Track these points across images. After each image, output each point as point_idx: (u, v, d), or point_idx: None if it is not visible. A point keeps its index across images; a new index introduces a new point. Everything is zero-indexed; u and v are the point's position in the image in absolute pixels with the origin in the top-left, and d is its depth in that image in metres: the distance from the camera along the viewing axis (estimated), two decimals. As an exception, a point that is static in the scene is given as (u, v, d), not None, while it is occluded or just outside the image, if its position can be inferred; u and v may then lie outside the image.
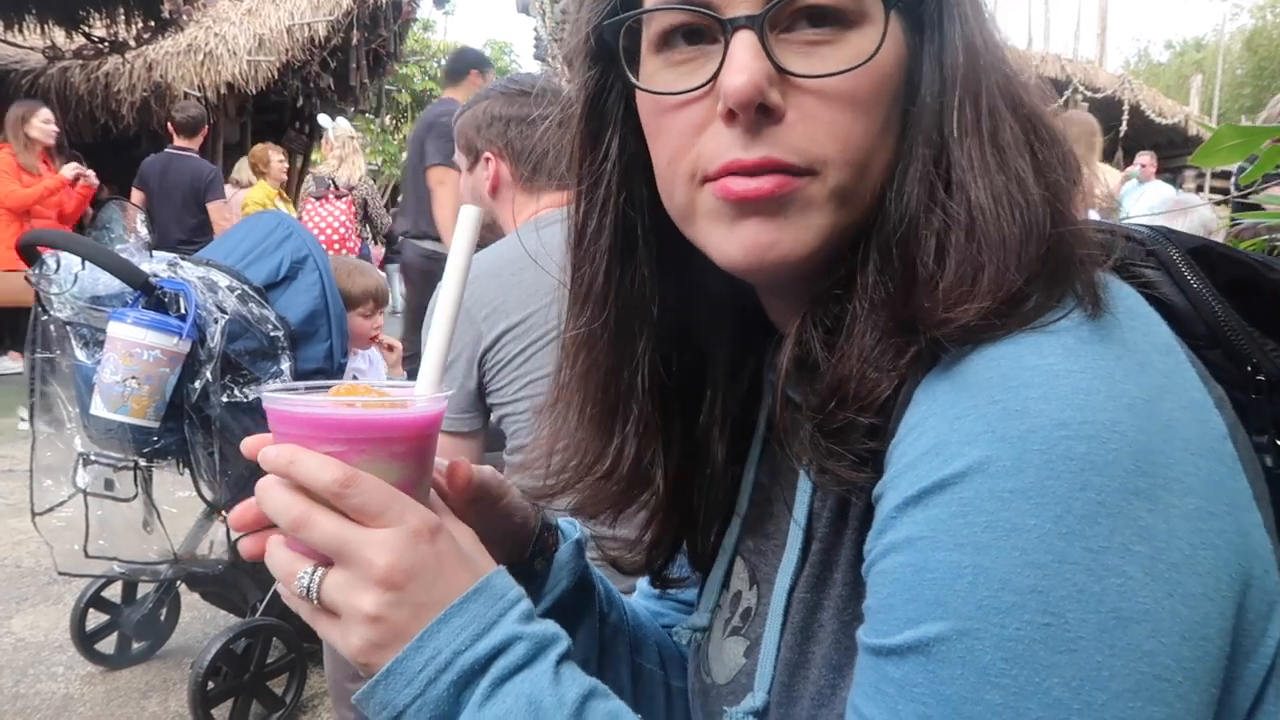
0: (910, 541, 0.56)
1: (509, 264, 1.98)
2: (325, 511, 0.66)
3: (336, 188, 7.90)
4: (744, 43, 0.64)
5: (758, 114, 0.64)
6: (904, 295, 0.63)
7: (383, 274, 3.82)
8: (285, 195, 8.34)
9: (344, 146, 8.68)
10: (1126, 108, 14.48)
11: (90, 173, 7.00)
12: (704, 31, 0.67)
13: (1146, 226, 0.75)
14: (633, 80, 0.72)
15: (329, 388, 0.74)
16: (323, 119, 10.09)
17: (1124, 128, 14.18)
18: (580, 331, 0.81)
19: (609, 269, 0.79)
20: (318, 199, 7.84)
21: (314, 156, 13.08)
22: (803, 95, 0.64)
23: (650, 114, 0.72)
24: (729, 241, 0.68)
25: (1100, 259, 0.63)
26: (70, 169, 6.86)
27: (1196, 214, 4.31)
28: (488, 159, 2.22)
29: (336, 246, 7.65)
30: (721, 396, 0.86)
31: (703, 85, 0.67)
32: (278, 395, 0.70)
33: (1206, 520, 0.54)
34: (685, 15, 0.67)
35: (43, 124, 6.74)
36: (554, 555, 0.90)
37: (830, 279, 0.69)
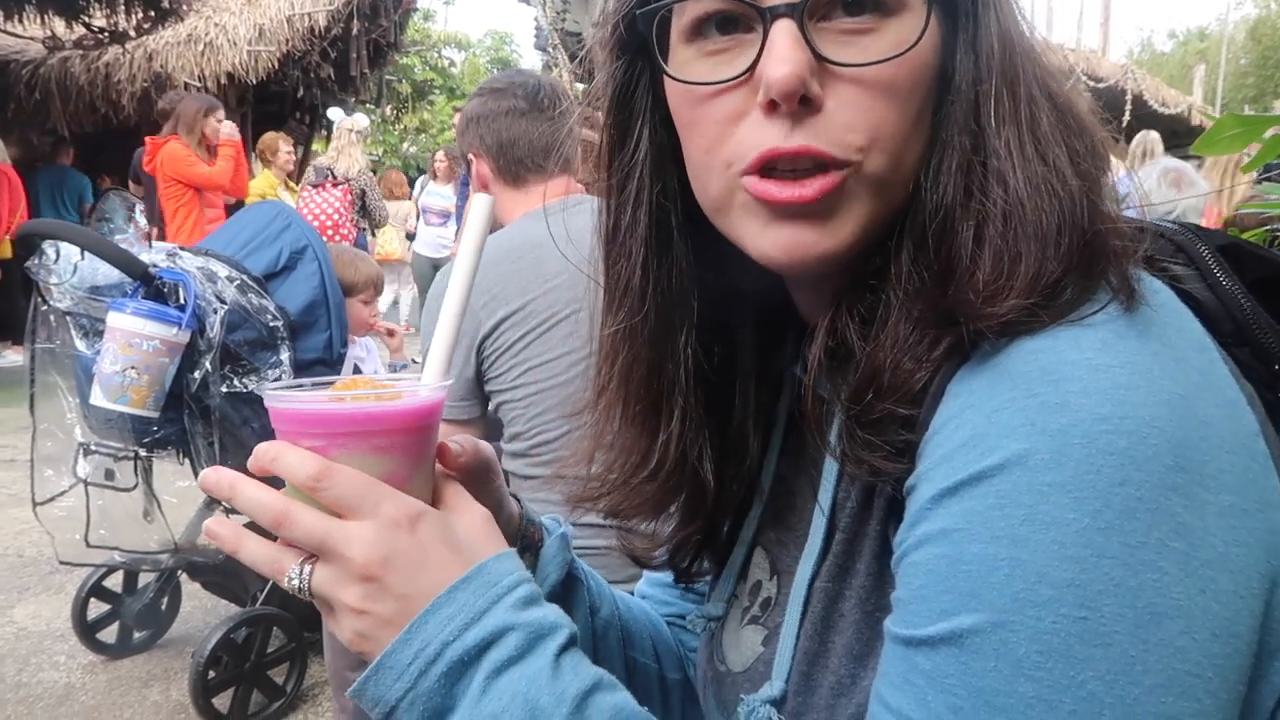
0: (946, 533, 0.55)
1: (507, 253, 1.99)
2: (303, 507, 0.67)
3: (334, 177, 8.14)
4: (784, 31, 0.62)
5: (799, 104, 0.63)
6: (940, 285, 0.63)
7: (377, 264, 3.84)
8: (290, 185, 8.36)
9: (341, 138, 8.90)
10: (1130, 97, 14.43)
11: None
12: (739, 20, 0.66)
13: (1175, 223, 0.75)
14: (666, 70, 0.70)
15: (331, 383, 0.74)
16: (332, 112, 10.33)
17: (1127, 118, 14.14)
18: (620, 328, 0.79)
19: (646, 262, 0.77)
20: (314, 186, 8.08)
21: (315, 147, 13.06)
22: (841, 84, 0.64)
23: (683, 105, 0.71)
24: (765, 239, 0.67)
25: (1134, 251, 0.62)
26: (228, 128, 6.78)
27: (1196, 186, 4.28)
28: (470, 160, 2.27)
29: (330, 233, 7.79)
30: (754, 388, 0.86)
31: (740, 75, 0.65)
32: (271, 391, 0.71)
33: (1240, 518, 0.54)
34: (723, 3, 0.66)
35: (217, 123, 6.72)
36: (540, 550, 0.89)
37: (863, 269, 0.68)
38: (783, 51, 0.62)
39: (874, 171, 0.65)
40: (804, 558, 0.75)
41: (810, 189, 0.64)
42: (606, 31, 0.76)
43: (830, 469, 0.74)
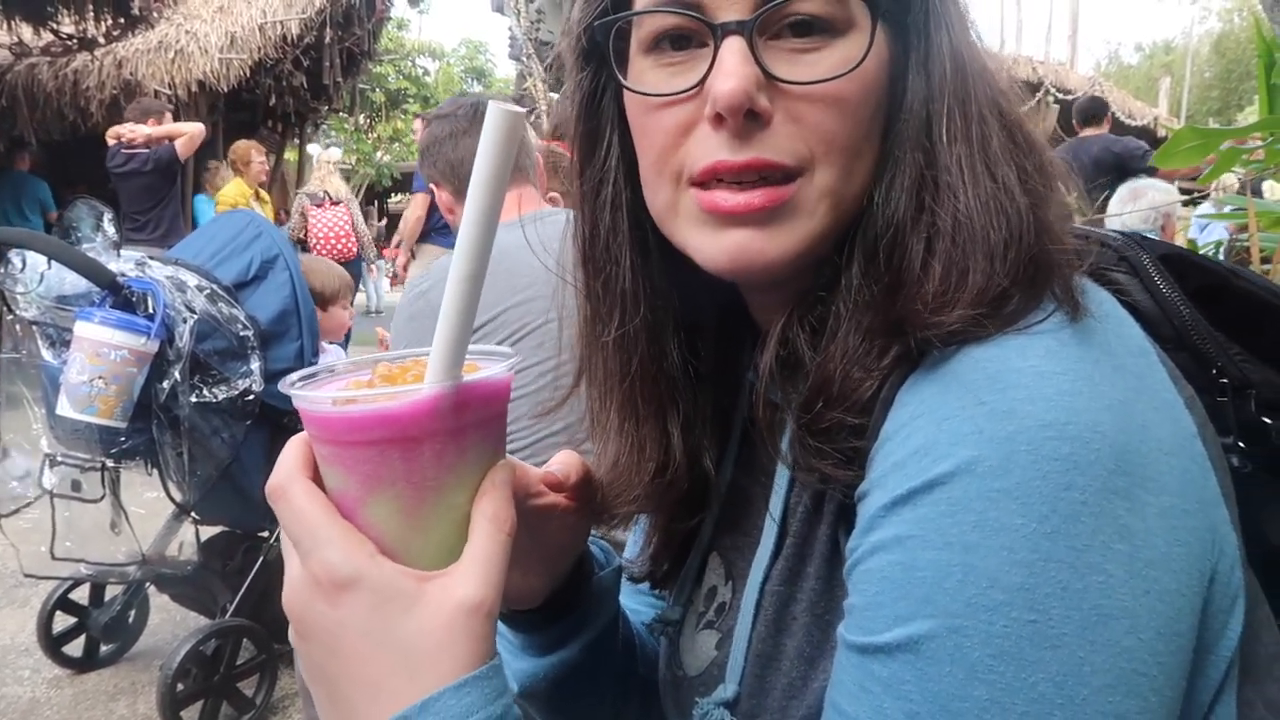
0: (899, 540, 0.56)
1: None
2: (299, 491, 0.59)
3: (331, 197, 8.77)
4: (733, 48, 0.64)
5: (746, 119, 0.64)
6: (889, 297, 0.64)
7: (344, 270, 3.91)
8: (263, 195, 8.35)
9: (321, 169, 9.55)
10: (1097, 109, 14.65)
11: None
12: (693, 36, 0.68)
13: (1119, 232, 0.77)
14: (621, 80, 0.72)
15: (371, 364, 0.64)
16: (311, 148, 10.81)
17: (1094, 129, 14.33)
18: (624, 331, 0.78)
19: (634, 264, 0.78)
20: (317, 206, 8.65)
21: (288, 156, 12.99)
22: (790, 100, 0.65)
23: (637, 114, 0.72)
24: (712, 246, 0.68)
25: (1077, 263, 0.65)
26: None
27: (1148, 197, 4.39)
28: (431, 189, 2.34)
29: (343, 242, 8.55)
30: (711, 392, 0.86)
31: (691, 88, 0.67)
32: (291, 379, 0.62)
33: (1180, 518, 0.56)
34: (676, 19, 0.67)
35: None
36: (595, 580, 0.87)
37: (814, 280, 0.69)
38: (731, 67, 0.63)
39: (823, 184, 0.66)
40: (755, 562, 0.76)
41: (758, 197, 0.65)
42: (572, 40, 0.77)
43: (782, 474, 0.75)
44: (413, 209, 7.60)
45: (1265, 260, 2.26)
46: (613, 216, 0.78)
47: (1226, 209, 2.78)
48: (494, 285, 2.00)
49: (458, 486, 0.59)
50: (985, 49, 0.71)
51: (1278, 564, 0.69)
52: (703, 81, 0.66)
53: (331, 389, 0.63)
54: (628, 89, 0.72)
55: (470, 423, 0.59)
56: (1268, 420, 0.69)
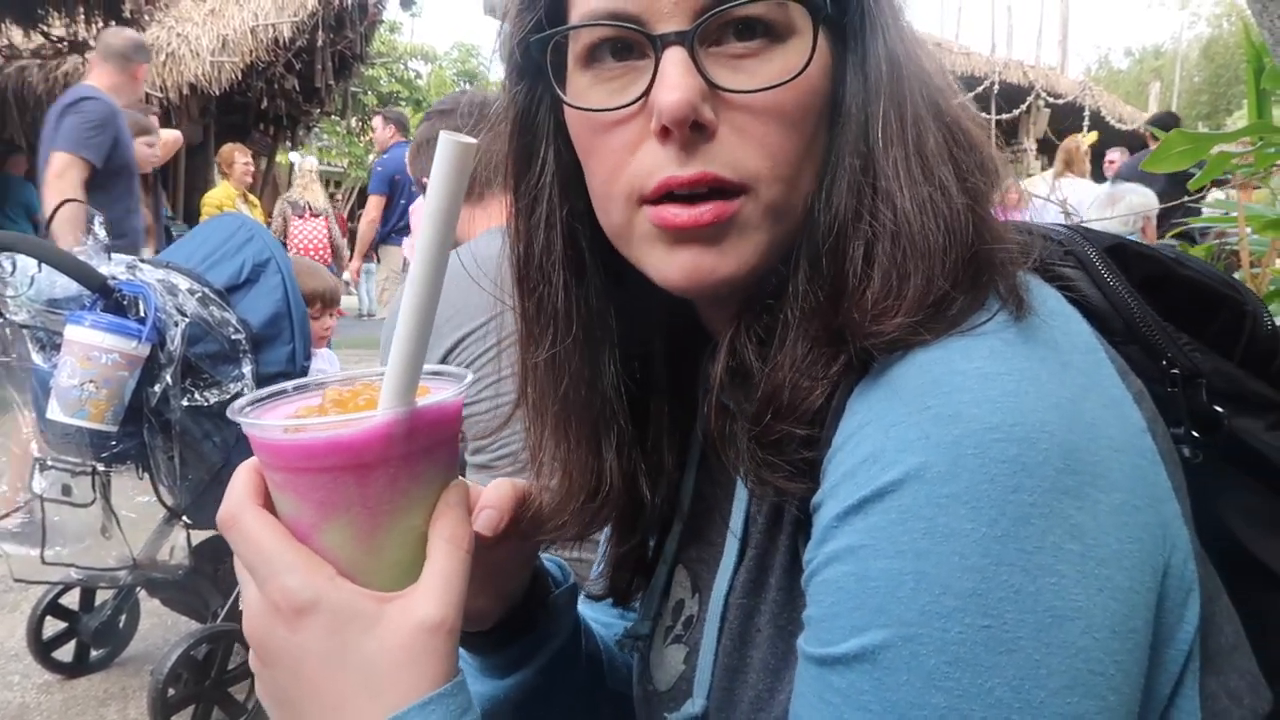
0: (852, 550, 0.56)
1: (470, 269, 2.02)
2: (252, 519, 0.60)
3: (312, 209, 9.08)
4: (675, 59, 0.63)
5: (691, 131, 0.64)
6: (832, 304, 0.64)
7: (334, 276, 3.91)
8: (250, 198, 8.34)
9: (304, 177, 9.98)
10: (1087, 113, 14.71)
11: None
12: (633, 46, 0.67)
13: (1065, 226, 0.77)
14: (563, 97, 0.71)
15: (321, 386, 0.65)
16: (293, 155, 11.12)
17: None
18: (554, 352, 0.77)
19: (567, 284, 0.77)
20: (299, 216, 8.97)
21: (279, 159, 12.97)
22: (734, 110, 0.65)
23: (582, 131, 0.71)
24: (667, 264, 0.68)
25: (1021, 260, 0.64)
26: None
27: (1125, 201, 4.43)
28: (422, 185, 2.31)
29: (318, 256, 8.79)
30: (668, 404, 0.85)
31: (634, 102, 0.66)
32: (237, 406, 0.61)
33: (1131, 514, 0.56)
34: (615, 31, 0.67)
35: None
36: (549, 599, 0.86)
37: (761, 289, 0.69)
38: (674, 79, 0.63)
39: (770, 198, 0.66)
40: (719, 574, 0.75)
41: (707, 213, 0.65)
42: (504, 54, 0.76)
43: (741, 486, 0.75)
44: (367, 211, 7.60)
45: (1254, 264, 2.27)
46: (547, 234, 0.76)
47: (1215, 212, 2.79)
48: (480, 290, 2.00)
49: (413, 509, 0.60)
50: (924, 48, 0.71)
51: (1239, 553, 0.69)
52: (645, 95, 0.65)
53: (280, 414, 0.62)
54: (571, 106, 0.70)
55: (423, 447, 0.59)
56: (1219, 409, 0.69)
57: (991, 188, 0.67)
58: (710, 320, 0.80)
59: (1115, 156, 9.37)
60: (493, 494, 0.72)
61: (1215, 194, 2.62)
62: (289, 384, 0.66)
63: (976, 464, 0.53)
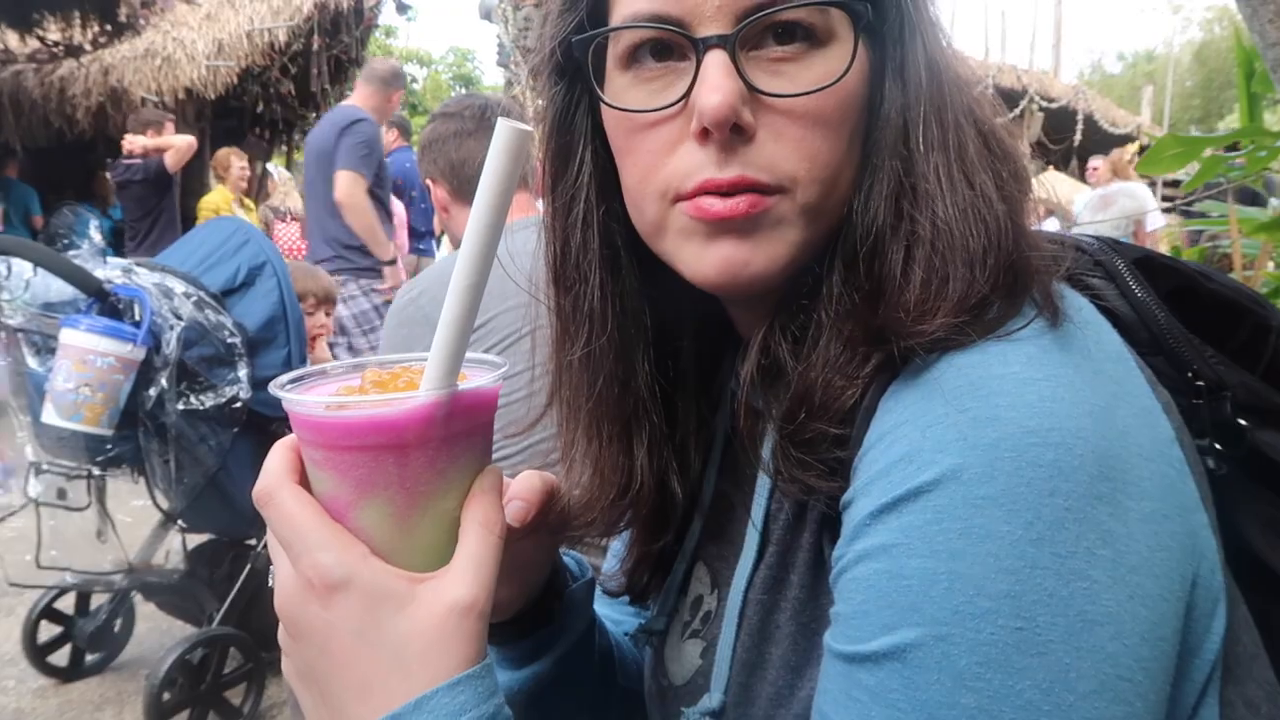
0: (885, 548, 0.56)
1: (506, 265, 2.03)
2: (288, 495, 0.60)
3: (293, 213, 9.09)
4: (717, 62, 0.64)
5: (731, 133, 0.64)
6: (870, 305, 0.64)
7: (330, 277, 3.95)
8: (246, 202, 8.36)
9: (284, 185, 10.15)
10: (1081, 117, 14.75)
11: None
12: (673, 48, 0.67)
13: (1094, 237, 0.78)
14: (603, 97, 0.71)
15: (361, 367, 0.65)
16: (269, 166, 11.36)
17: (1078, 137, 14.46)
18: (587, 351, 0.77)
19: (603, 282, 0.77)
20: (280, 220, 8.95)
21: (275, 162, 12.98)
22: (772, 114, 0.65)
23: (619, 131, 0.72)
24: (701, 260, 0.68)
25: (1055, 269, 0.65)
26: None
27: (1117, 205, 4.46)
28: (428, 186, 2.33)
29: (299, 257, 8.62)
30: (695, 403, 0.86)
31: (674, 103, 0.67)
32: (280, 381, 0.63)
33: (1161, 523, 0.56)
34: (657, 34, 0.67)
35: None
36: (567, 593, 0.86)
37: (796, 289, 0.69)
38: (715, 81, 0.63)
39: (806, 200, 0.67)
40: (738, 569, 0.76)
41: (742, 203, 0.65)
42: (545, 55, 0.76)
43: (763, 481, 0.75)
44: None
45: (1247, 266, 2.29)
46: (583, 234, 0.77)
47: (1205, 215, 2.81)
48: (488, 290, 2.00)
49: (448, 492, 0.61)
50: (959, 57, 0.71)
51: (1258, 565, 0.70)
52: (685, 96, 0.66)
53: (320, 393, 0.63)
54: (611, 107, 0.71)
55: (462, 430, 0.60)
56: (1243, 421, 0.70)
57: (1025, 195, 0.68)
58: (740, 320, 0.80)
59: (1098, 164, 9.42)
60: (522, 486, 0.73)
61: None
62: (327, 365, 0.67)
63: (1013, 467, 0.53)
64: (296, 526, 0.59)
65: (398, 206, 6.90)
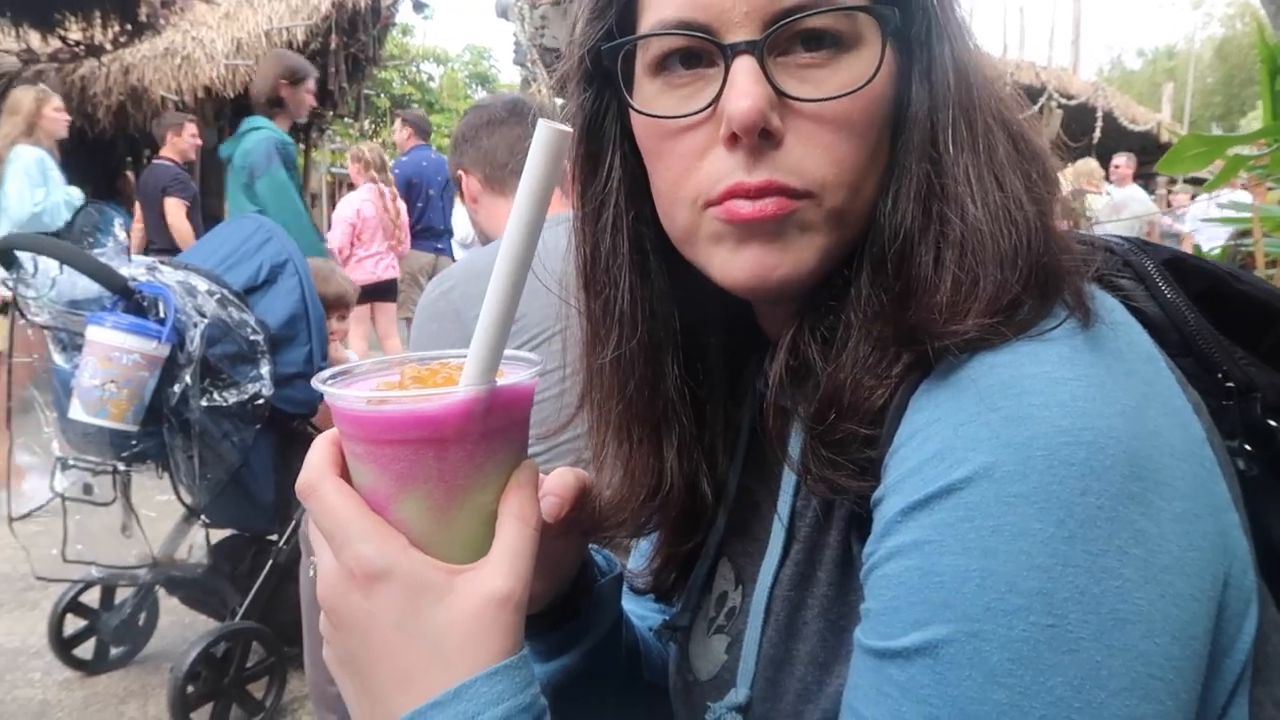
0: (917, 545, 0.56)
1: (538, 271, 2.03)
2: (329, 488, 0.62)
3: None
4: (746, 68, 0.65)
5: (760, 138, 0.65)
6: (900, 306, 0.65)
7: (348, 280, 3.96)
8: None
9: None
10: (1100, 115, 14.62)
11: None
12: (702, 55, 0.68)
13: (1122, 238, 0.78)
14: (632, 104, 0.72)
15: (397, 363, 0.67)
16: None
17: (1098, 134, 14.35)
18: (619, 354, 0.78)
19: (633, 286, 0.78)
20: None
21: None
22: (800, 119, 0.66)
23: (649, 137, 0.73)
24: (731, 264, 0.69)
25: (1085, 270, 0.65)
26: None
27: (1130, 209, 4.45)
28: (460, 177, 2.33)
29: None
30: (723, 404, 0.86)
31: (703, 109, 0.67)
32: (323, 374, 0.64)
33: (1192, 523, 0.56)
34: (686, 41, 0.68)
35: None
36: (596, 588, 0.87)
37: (824, 290, 0.70)
38: (744, 87, 0.64)
39: (833, 204, 0.67)
40: (764, 566, 0.76)
41: (770, 205, 0.66)
42: (574, 62, 0.77)
43: (789, 478, 0.76)
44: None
45: (1271, 265, 2.28)
46: (613, 239, 0.78)
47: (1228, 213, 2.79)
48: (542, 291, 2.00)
49: (486, 486, 0.62)
50: (986, 58, 0.72)
51: None
52: (714, 102, 0.67)
53: (360, 389, 0.65)
54: (641, 113, 0.72)
55: (500, 425, 0.62)
56: (1273, 423, 0.70)
57: (1054, 196, 0.68)
58: (768, 323, 0.81)
59: (1121, 162, 9.29)
60: (556, 482, 0.74)
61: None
62: (366, 361, 0.68)
63: (1045, 465, 0.54)
64: (339, 518, 0.60)
65: (400, 206, 6.95)
